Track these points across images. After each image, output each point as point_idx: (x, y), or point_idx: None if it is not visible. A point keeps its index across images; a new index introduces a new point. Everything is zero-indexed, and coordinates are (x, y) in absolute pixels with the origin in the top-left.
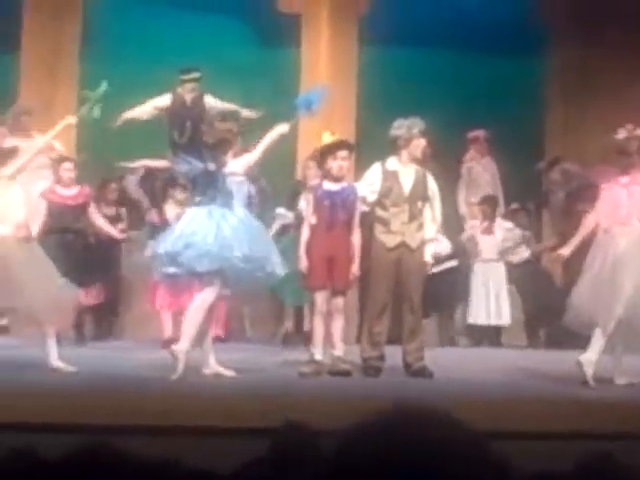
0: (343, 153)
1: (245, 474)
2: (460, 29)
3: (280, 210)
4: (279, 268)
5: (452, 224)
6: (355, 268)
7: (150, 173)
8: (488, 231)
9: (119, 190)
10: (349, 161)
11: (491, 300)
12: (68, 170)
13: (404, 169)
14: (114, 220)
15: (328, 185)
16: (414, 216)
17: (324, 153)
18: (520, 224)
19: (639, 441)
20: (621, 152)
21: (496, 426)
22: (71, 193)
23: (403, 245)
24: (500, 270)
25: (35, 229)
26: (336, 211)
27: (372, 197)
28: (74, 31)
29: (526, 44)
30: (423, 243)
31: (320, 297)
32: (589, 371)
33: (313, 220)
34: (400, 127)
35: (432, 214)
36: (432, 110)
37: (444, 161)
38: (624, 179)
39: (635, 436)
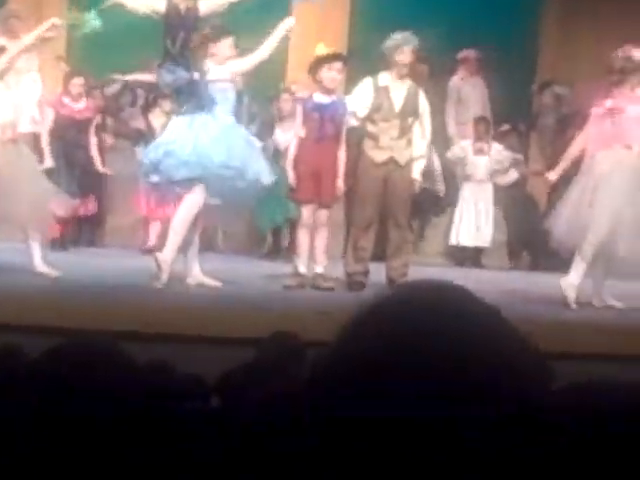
0: (338, 65)
1: (231, 380)
2: None
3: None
4: (265, 176)
5: (440, 143)
6: (341, 182)
7: (131, 85)
8: (480, 152)
9: (102, 98)
10: (342, 74)
11: (481, 221)
12: (77, 85)
13: (395, 84)
14: (99, 129)
15: (319, 97)
16: (404, 132)
17: (318, 63)
18: (510, 146)
19: (617, 362)
20: (610, 70)
21: None
22: (79, 107)
23: (392, 161)
24: (489, 192)
25: (24, 129)
26: (325, 124)
27: (362, 112)
28: None
29: None
30: (412, 160)
31: (307, 210)
32: (570, 294)
33: (302, 133)
34: (391, 40)
35: (422, 131)
36: (424, 27)
37: (435, 79)
38: (608, 102)
39: (615, 357)
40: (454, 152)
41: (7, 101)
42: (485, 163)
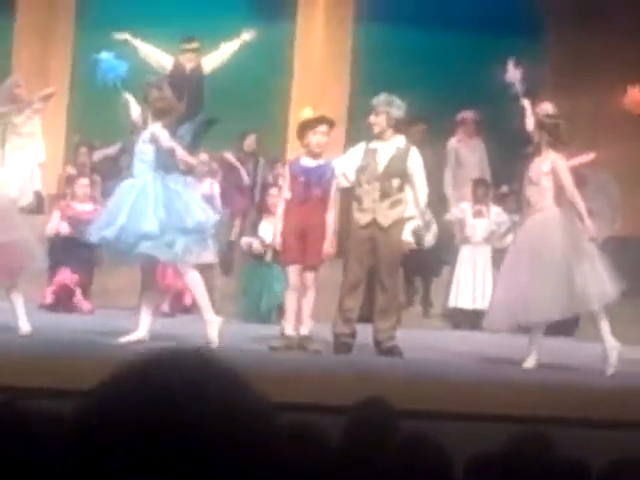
0: (323, 128)
1: None
2: (459, 8)
3: (247, 239)
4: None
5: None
6: (327, 245)
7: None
8: (480, 215)
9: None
10: (328, 136)
11: (478, 284)
12: (83, 186)
13: (384, 146)
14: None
15: (305, 161)
16: (387, 194)
17: (304, 127)
18: (508, 208)
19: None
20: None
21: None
22: (86, 209)
23: (374, 223)
24: (487, 254)
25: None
26: (310, 187)
27: (351, 174)
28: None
29: (522, 25)
30: (399, 222)
31: (293, 272)
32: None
33: (288, 195)
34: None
35: (413, 192)
36: (425, 90)
37: (434, 141)
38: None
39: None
40: (453, 214)
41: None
42: (484, 226)
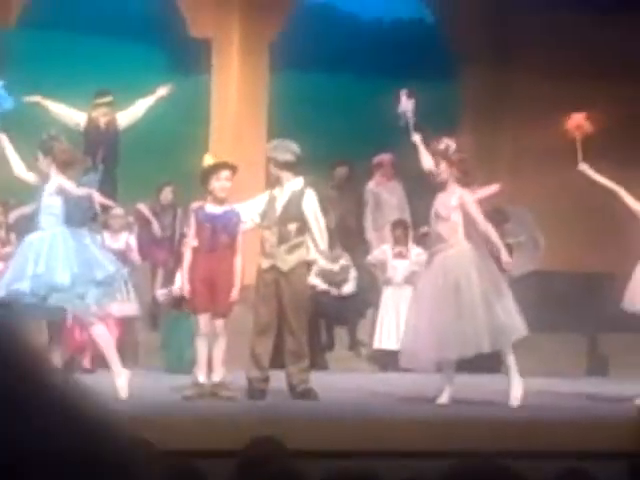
0: (226, 174)
1: None
2: (367, 53)
3: (162, 291)
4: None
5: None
6: (236, 291)
7: None
8: (400, 256)
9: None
10: (231, 182)
11: (401, 324)
12: None
13: (280, 191)
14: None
15: (210, 208)
16: (285, 238)
17: (207, 174)
18: (429, 248)
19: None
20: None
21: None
22: None
23: (274, 268)
24: (409, 294)
25: None
26: (217, 234)
27: (257, 218)
28: None
29: (435, 68)
30: (300, 265)
31: (202, 320)
32: None
33: (194, 243)
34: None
35: (311, 235)
36: (345, 134)
37: (354, 184)
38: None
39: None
40: (375, 256)
41: None
42: (405, 266)
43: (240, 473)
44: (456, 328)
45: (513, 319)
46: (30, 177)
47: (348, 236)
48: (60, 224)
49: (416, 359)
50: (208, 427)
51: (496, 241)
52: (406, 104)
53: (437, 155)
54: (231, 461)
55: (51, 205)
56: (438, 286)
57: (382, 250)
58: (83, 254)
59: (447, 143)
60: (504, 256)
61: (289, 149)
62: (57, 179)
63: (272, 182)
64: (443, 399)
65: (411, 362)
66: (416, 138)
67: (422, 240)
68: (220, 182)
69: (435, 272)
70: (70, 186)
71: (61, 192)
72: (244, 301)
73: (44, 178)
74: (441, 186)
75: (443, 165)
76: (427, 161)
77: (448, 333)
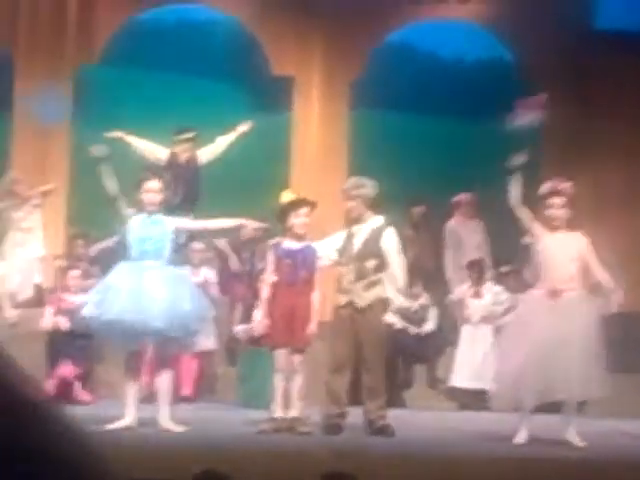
0: (304, 210)
1: None
2: (450, 93)
3: (241, 327)
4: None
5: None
6: (314, 326)
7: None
8: (477, 295)
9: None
10: (310, 218)
11: (478, 364)
12: (74, 278)
13: (358, 228)
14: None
15: (289, 244)
16: (362, 275)
17: (286, 210)
18: (510, 287)
19: None
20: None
21: None
22: (80, 300)
23: (350, 304)
24: (487, 334)
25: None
26: (297, 270)
27: (334, 255)
28: (65, 94)
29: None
30: (378, 302)
31: (280, 355)
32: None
33: (274, 278)
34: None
35: (389, 272)
36: (425, 173)
37: (434, 223)
38: None
39: None
40: (455, 295)
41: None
42: (482, 306)
43: None
44: (562, 374)
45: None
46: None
47: (425, 275)
48: (161, 260)
49: (515, 400)
50: (283, 461)
51: (610, 287)
52: (526, 115)
53: (556, 195)
54: None
55: (155, 239)
56: (554, 329)
57: (460, 290)
58: (179, 298)
59: (565, 184)
60: (619, 298)
61: (373, 185)
62: (170, 219)
63: (351, 219)
64: (520, 438)
65: (508, 404)
66: (519, 160)
67: (504, 279)
68: (299, 218)
69: (548, 315)
70: (186, 223)
71: (177, 231)
72: (321, 337)
73: (150, 211)
74: (554, 228)
75: (561, 206)
76: (516, 194)
77: (555, 378)
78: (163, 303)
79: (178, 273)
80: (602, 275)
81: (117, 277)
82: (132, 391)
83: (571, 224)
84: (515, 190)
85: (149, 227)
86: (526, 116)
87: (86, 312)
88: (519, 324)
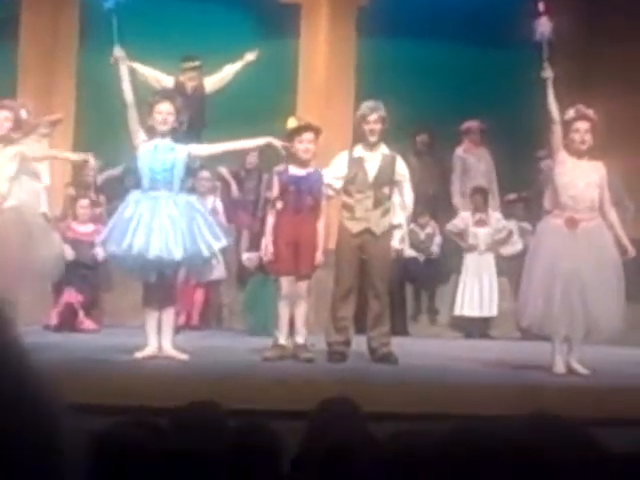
0: (309, 135)
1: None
2: (458, 20)
3: (248, 254)
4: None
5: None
6: (320, 254)
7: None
8: (481, 223)
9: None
10: (315, 144)
11: (484, 292)
12: (83, 207)
13: (370, 155)
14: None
15: (294, 170)
16: (379, 202)
17: (291, 136)
18: (516, 215)
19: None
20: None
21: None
22: (86, 230)
23: (367, 231)
24: (491, 262)
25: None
26: (302, 196)
27: (338, 184)
28: (71, 23)
29: (526, 34)
30: (390, 229)
31: (285, 282)
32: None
33: (279, 205)
34: (358, 110)
35: (401, 199)
36: (430, 101)
37: (441, 150)
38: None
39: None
40: (454, 223)
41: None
42: (486, 234)
43: (312, 432)
44: (582, 306)
45: (614, 321)
46: (139, 133)
47: (431, 204)
48: (174, 189)
49: (545, 328)
50: (286, 388)
51: (618, 225)
52: (545, 24)
53: (583, 119)
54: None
55: (168, 167)
56: (581, 257)
57: (461, 218)
58: (194, 229)
59: (589, 110)
60: (627, 244)
61: (384, 111)
62: (184, 146)
63: (369, 144)
64: (559, 368)
65: (539, 328)
66: (548, 74)
67: (510, 207)
68: (303, 144)
69: (576, 242)
70: (201, 149)
71: (189, 157)
72: (326, 265)
73: (162, 133)
74: (578, 154)
75: (586, 131)
76: (554, 109)
77: (577, 310)
78: (181, 234)
79: (192, 203)
80: (612, 214)
81: (132, 209)
82: (152, 321)
83: (592, 153)
84: (552, 104)
85: (160, 154)
86: (541, 27)
87: (104, 246)
88: (538, 253)
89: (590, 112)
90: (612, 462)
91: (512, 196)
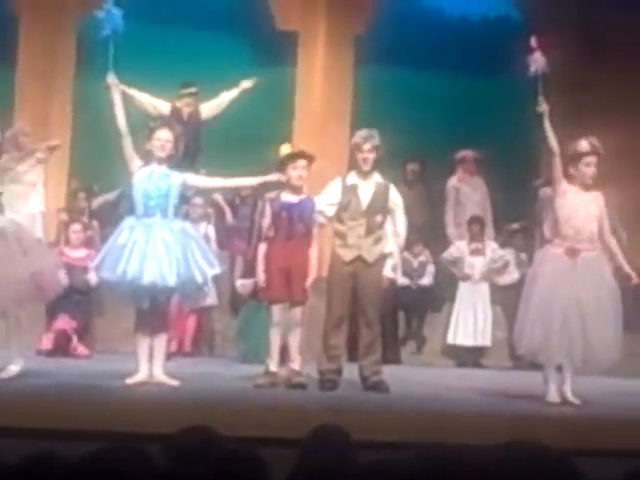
0: (302, 163)
1: None
2: (455, 49)
3: (241, 281)
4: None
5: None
6: (311, 281)
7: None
8: (477, 252)
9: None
10: (308, 171)
11: (479, 321)
12: (76, 232)
13: (363, 182)
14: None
15: (286, 197)
16: (371, 230)
17: (284, 163)
18: (515, 245)
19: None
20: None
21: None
22: (79, 255)
23: (359, 259)
24: (486, 291)
25: None
26: (294, 223)
27: (331, 211)
28: (68, 48)
29: (521, 66)
30: (382, 257)
31: (277, 309)
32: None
33: (271, 232)
34: (354, 138)
35: (394, 228)
36: (426, 130)
37: (435, 179)
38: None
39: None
40: (450, 252)
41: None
42: (481, 263)
43: (302, 460)
44: (582, 336)
45: (612, 351)
46: (134, 160)
47: (423, 232)
48: (168, 215)
49: (542, 356)
50: (278, 416)
51: (619, 253)
52: (538, 59)
53: (593, 154)
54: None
55: (162, 194)
56: (581, 286)
57: (457, 247)
58: (189, 255)
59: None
60: (629, 271)
61: (378, 139)
62: (181, 175)
63: (362, 172)
64: (553, 397)
65: (535, 356)
66: (543, 108)
67: (511, 236)
68: (297, 171)
69: (576, 271)
70: (195, 179)
71: (184, 186)
72: (318, 293)
73: (160, 159)
74: (584, 186)
75: (595, 164)
76: (553, 142)
77: (576, 340)
78: (175, 260)
79: (187, 229)
80: (613, 243)
81: (127, 236)
82: (144, 347)
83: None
84: (550, 137)
85: (156, 180)
86: (535, 62)
87: (98, 272)
88: (537, 280)
89: (600, 144)
90: None
91: (515, 226)
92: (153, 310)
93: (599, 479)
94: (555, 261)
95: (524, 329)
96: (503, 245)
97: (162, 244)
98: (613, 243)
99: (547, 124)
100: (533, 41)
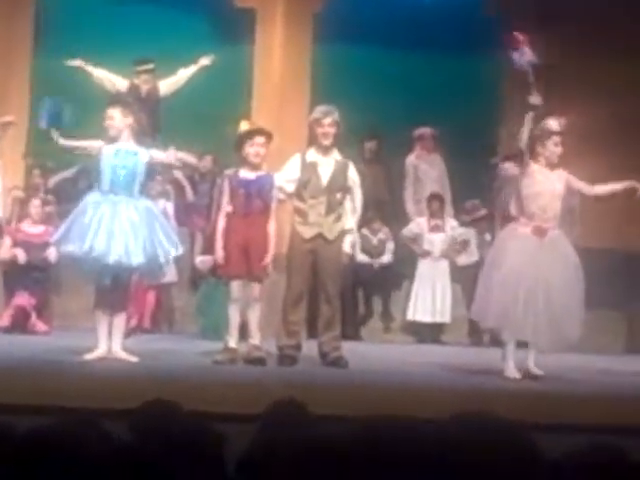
0: (260, 139)
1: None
2: (413, 27)
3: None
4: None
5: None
6: (270, 257)
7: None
8: (437, 229)
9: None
10: (266, 148)
11: (437, 298)
12: (36, 207)
13: (323, 159)
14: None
15: (244, 173)
16: (332, 208)
17: (242, 139)
18: (479, 227)
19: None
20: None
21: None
22: (37, 231)
23: (320, 237)
24: (446, 268)
25: None
26: (251, 200)
27: (290, 187)
28: (26, 26)
29: (480, 41)
30: (341, 234)
31: (235, 286)
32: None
33: (229, 208)
34: (313, 113)
35: (352, 205)
36: (384, 108)
37: (394, 157)
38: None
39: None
40: (410, 229)
41: None
42: (441, 240)
43: (259, 435)
44: (548, 313)
45: (576, 328)
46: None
47: (381, 209)
48: (134, 193)
49: (507, 331)
50: (237, 392)
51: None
52: (527, 54)
53: (560, 134)
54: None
55: (129, 171)
56: (548, 264)
57: (417, 223)
58: (153, 235)
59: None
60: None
61: (337, 115)
62: (145, 149)
63: (322, 148)
64: (512, 373)
65: (500, 331)
66: (536, 100)
67: (477, 221)
68: (254, 148)
69: (543, 249)
70: (161, 154)
71: (150, 161)
72: (277, 269)
73: (113, 138)
74: (551, 165)
75: (558, 144)
76: (526, 133)
77: (542, 317)
78: (142, 240)
79: (151, 208)
80: (585, 187)
81: (92, 212)
82: (104, 324)
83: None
84: (527, 129)
85: (123, 157)
86: (523, 56)
87: (59, 246)
88: (503, 258)
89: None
90: (538, 467)
91: (482, 212)
92: (114, 288)
93: (556, 454)
94: (522, 240)
95: (489, 304)
96: (464, 224)
97: (128, 222)
98: (598, 188)
99: (530, 116)
100: (519, 36)
